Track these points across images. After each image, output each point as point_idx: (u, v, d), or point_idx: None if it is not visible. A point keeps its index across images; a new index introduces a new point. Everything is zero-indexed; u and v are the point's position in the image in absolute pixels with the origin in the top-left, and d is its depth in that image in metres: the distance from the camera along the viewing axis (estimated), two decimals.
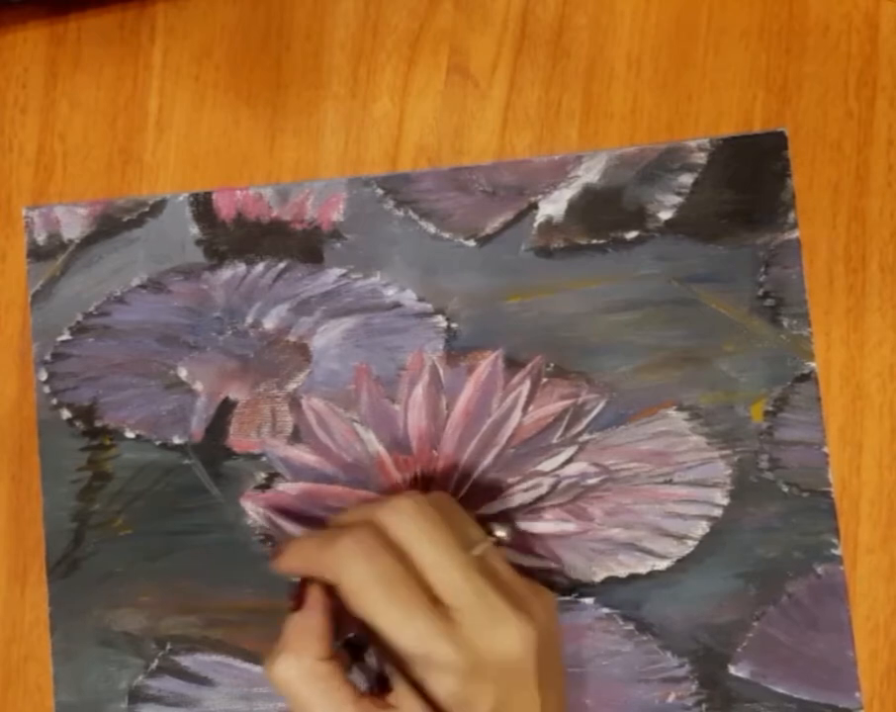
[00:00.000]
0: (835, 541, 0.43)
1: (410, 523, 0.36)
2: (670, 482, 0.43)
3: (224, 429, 0.44)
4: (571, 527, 0.43)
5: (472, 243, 0.44)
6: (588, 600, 0.43)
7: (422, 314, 0.44)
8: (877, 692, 0.43)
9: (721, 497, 0.43)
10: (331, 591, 0.36)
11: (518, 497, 0.43)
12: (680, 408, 0.43)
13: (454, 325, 0.44)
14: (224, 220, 0.45)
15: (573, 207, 0.44)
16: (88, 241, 0.45)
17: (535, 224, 0.44)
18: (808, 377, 0.43)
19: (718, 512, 0.43)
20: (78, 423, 0.44)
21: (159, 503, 0.44)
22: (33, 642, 0.44)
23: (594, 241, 0.44)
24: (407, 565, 0.35)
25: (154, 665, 0.43)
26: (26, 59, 0.46)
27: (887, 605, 0.43)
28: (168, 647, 0.43)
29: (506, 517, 0.43)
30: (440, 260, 0.44)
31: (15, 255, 0.45)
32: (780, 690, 0.42)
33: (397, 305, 0.44)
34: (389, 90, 0.45)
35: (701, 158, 0.44)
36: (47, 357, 0.44)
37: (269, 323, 0.44)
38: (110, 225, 0.45)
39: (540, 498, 0.43)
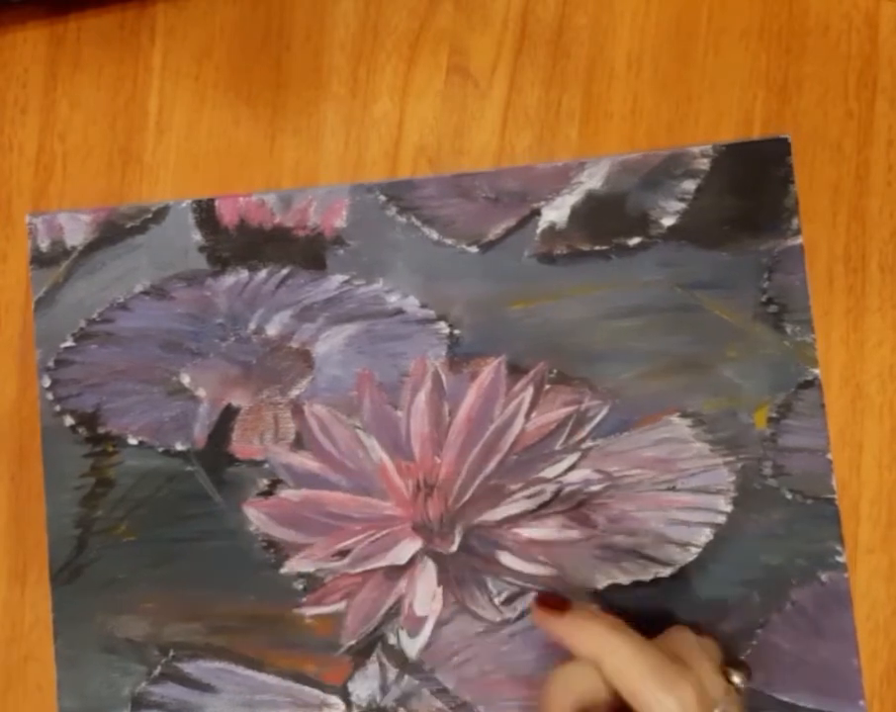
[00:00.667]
0: (839, 548, 0.43)
1: (721, 689, 0.36)
2: (673, 489, 0.43)
3: (227, 436, 0.44)
4: (574, 534, 0.43)
5: (474, 250, 0.44)
6: (592, 608, 0.43)
7: (425, 321, 0.44)
8: (877, 692, 0.43)
9: (724, 504, 0.43)
10: None
11: (521, 504, 0.43)
12: (684, 415, 0.43)
13: (457, 332, 0.44)
14: (227, 226, 0.45)
15: (575, 213, 0.44)
16: (91, 248, 0.45)
17: (538, 231, 0.44)
18: (812, 383, 0.43)
19: (722, 519, 0.43)
20: (81, 430, 0.44)
21: (162, 510, 0.44)
22: (33, 642, 0.44)
23: (597, 248, 0.44)
24: None
25: (157, 671, 0.43)
26: (26, 59, 0.46)
27: (887, 605, 0.43)
28: (171, 653, 0.43)
29: (741, 663, 0.40)
30: (443, 267, 0.44)
31: (15, 256, 0.45)
32: (785, 698, 0.42)
33: (399, 311, 0.44)
34: (389, 90, 0.45)
35: (704, 164, 0.44)
36: (51, 364, 0.44)
37: (272, 330, 0.44)
38: (113, 232, 0.45)
39: (543, 505, 0.43)
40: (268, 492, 0.44)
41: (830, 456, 0.43)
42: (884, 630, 0.43)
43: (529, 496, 0.43)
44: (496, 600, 0.43)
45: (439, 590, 0.43)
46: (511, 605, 0.43)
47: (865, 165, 0.44)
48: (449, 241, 0.44)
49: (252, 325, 0.44)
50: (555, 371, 0.44)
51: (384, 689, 0.43)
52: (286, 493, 0.44)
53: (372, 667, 0.43)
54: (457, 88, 0.45)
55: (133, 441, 0.44)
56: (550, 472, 0.43)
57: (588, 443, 0.43)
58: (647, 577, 0.43)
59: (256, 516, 0.44)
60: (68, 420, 0.44)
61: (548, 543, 0.43)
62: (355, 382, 0.44)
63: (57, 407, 0.44)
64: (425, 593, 0.43)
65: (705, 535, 0.43)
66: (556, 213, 0.44)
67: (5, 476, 0.45)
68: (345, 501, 0.44)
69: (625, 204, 0.44)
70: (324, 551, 0.43)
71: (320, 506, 0.44)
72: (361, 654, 0.43)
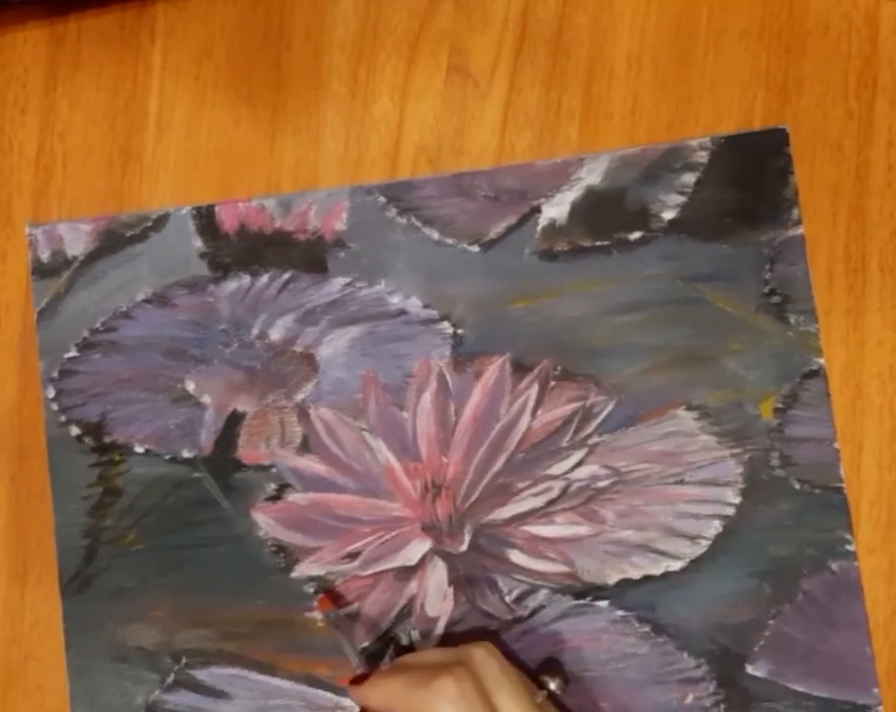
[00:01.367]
0: (848, 537, 0.43)
1: (497, 672, 0.38)
2: (681, 482, 0.43)
3: (234, 441, 0.44)
4: (583, 530, 0.43)
5: (475, 248, 0.44)
6: (603, 603, 0.43)
7: (428, 321, 0.44)
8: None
9: (733, 496, 0.43)
10: None
11: (529, 502, 0.43)
12: (689, 408, 0.43)
13: (460, 331, 0.44)
14: (228, 232, 0.45)
15: (575, 209, 0.44)
16: (92, 258, 0.45)
17: (538, 228, 0.44)
18: (817, 373, 0.43)
19: (730, 511, 0.43)
20: (87, 440, 0.44)
21: (170, 517, 0.44)
22: (33, 642, 0.44)
23: (598, 243, 0.44)
24: (492, 706, 0.37)
25: (171, 679, 0.43)
26: (26, 59, 0.46)
27: (887, 605, 0.43)
28: (184, 661, 0.43)
29: (554, 669, 0.42)
30: (444, 266, 0.44)
31: (15, 256, 0.45)
32: (798, 688, 0.42)
33: (402, 312, 0.44)
34: (389, 90, 0.45)
35: (703, 157, 0.44)
36: (55, 374, 0.44)
37: (275, 334, 0.44)
38: (113, 241, 0.45)
39: (551, 502, 0.43)
40: (276, 497, 0.44)
41: (837, 445, 0.43)
42: (884, 630, 0.43)
43: (537, 494, 0.43)
44: (507, 599, 0.43)
45: (450, 590, 0.43)
46: (522, 603, 0.43)
47: (865, 165, 0.44)
48: (450, 241, 0.44)
49: (255, 330, 0.44)
50: (559, 368, 0.44)
51: None
52: (294, 497, 0.44)
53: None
54: (457, 88, 0.45)
55: (139, 449, 0.44)
56: (557, 469, 0.43)
57: (595, 439, 0.43)
58: (657, 571, 0.43)
59: (265, 521, 0.44)
60: (74, 430, 0.44)
61: (557, 540, 0.43)
62: (360, 384, 0.44)
63: (63, 418, 0.44)
64: (436, 594, 0.43)
65: (714, 527, 0.43)
66: (556, 209, 0.44)
67: (5, 476, 0.45)
68: (353, 504, 0.44)
69: (625, 198, 0.44)
70: (334, 554, 0.43)
71: (329, 509, 0.44)
72: (374, 656, 0.43)
